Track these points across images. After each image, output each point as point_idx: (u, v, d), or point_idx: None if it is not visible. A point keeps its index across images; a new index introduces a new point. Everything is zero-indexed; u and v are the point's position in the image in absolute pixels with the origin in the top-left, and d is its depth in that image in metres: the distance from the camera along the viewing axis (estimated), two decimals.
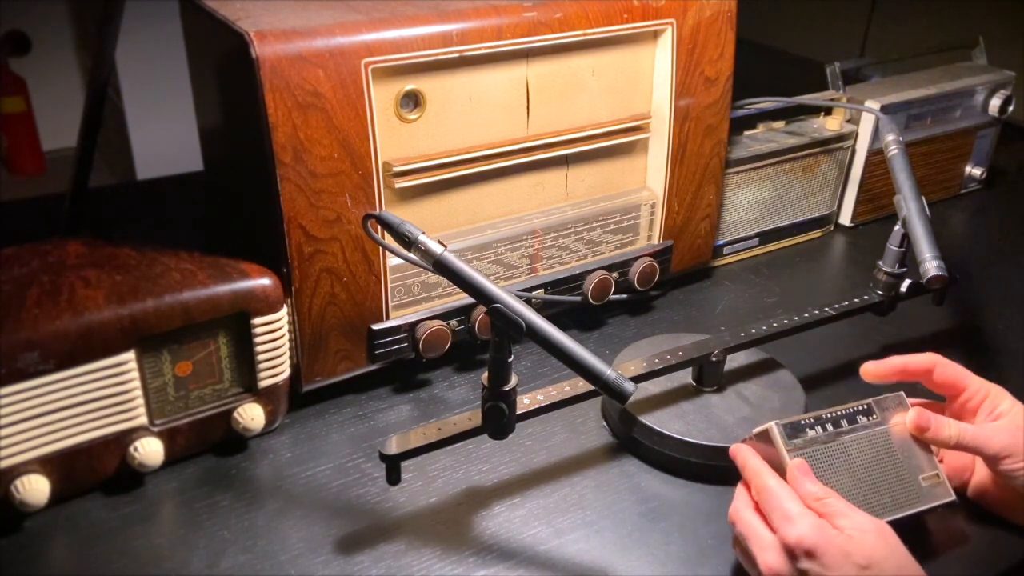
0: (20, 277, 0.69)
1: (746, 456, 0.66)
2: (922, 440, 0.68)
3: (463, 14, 0.76)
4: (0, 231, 0.88)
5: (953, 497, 0.68)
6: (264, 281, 0.72)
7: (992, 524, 0.71)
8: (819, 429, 0.66)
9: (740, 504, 0.64)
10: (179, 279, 0.70)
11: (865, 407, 0.69)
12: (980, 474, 0.71)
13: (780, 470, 0.64)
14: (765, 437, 0.66)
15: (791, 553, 0.59)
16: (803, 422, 0.66)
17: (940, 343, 0.95)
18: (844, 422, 0.67)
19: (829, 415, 0.67)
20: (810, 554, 0.58)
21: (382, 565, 0.66)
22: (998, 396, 0.70)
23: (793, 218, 1.13)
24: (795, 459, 0.64)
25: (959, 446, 0.67)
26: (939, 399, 0.74)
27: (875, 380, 0.73)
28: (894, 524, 0.62)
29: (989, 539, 0.70)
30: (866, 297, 0.88)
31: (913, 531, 0.68)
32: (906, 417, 0.69)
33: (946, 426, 0.67)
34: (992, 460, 0.67)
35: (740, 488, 0.66)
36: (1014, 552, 0.69)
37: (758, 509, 0.63)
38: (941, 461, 0.70)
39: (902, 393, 0.70)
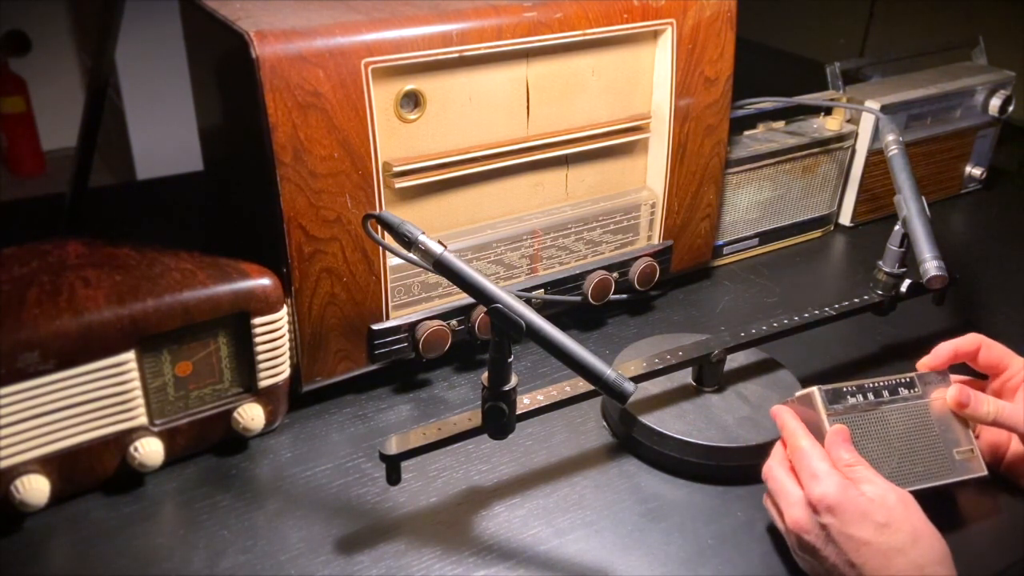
0: (20, 277, 0.69)
1: (785, 417, 0.68)
2: (960, 416, 0.70)
3: (463, 14, 0.76)
4: (0, 231, 0.88)
5: (985, 472, 0.69)
6: (264, 281, 0.72)
7: (991, 525, 0.71)
8: (860, 397, 0.68)
9: (774, 462, 0.67)
10: (179, 279, 0.70)
11: (908, 380, 0.71)
12: (1015, 450, 0.73)
13: (818, 433, 0.66)
14: (807, 400, 0.68)
15: (814, 508, 0.61)
16: (845, 389, 0.68)
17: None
18: (885, 392, 0.69)
19: (872, 384, 0.69)
20: (831, 509, 0.60)
21: (382, 565, 0.66)
22: None
23: (793, 218, 1.13)
24: (836, 424, 0.66)
25: (996, 423, 0.69)
26: (982, 377, 0.76)
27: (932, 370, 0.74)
28: (924, 493, 0.64)
29: (989, 540, 0.70)
30: (866, 297, 0.88)
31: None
32: (947, 393, 0.70)
33: (985, 403, 0.69)
34: None
35: (778, 445, 0.68)
36: (1015, 553, 0.69)
37: (792, 468, 0.65)
38: (978, 437, 0.72)
39: (947, 371, 0.73)
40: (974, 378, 0.76)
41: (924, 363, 0.74)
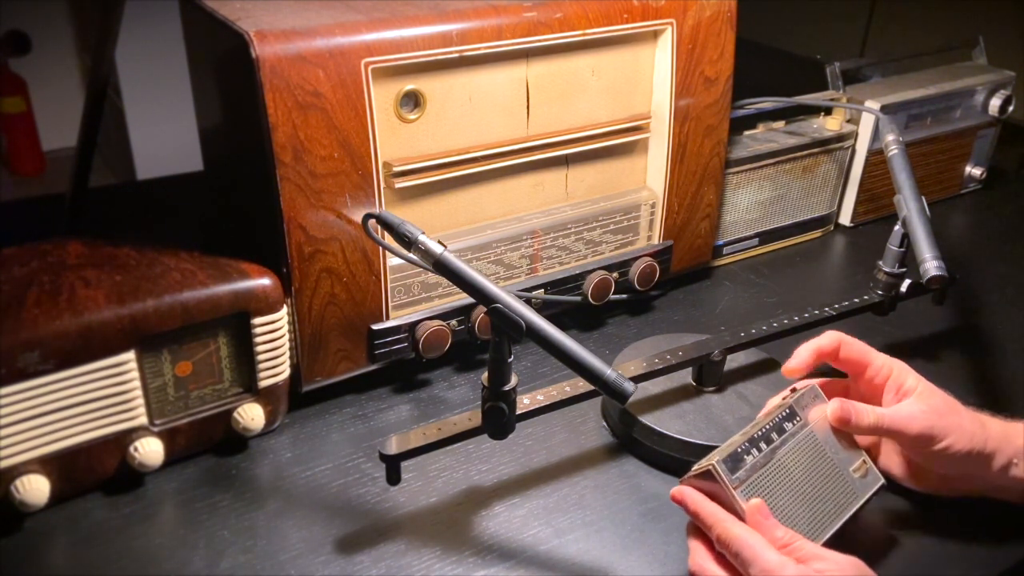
0: (20, 277, 0.69)
1: (698, 502, 0.62)
2: (844, 431, 0.68)
3: (463, 14, 0.76)
4: (0, 231, 0.88)
5: (883, 481, 0.68)
6: (264, 281, 0.72)
7: (991, 525, 0.71)
8: (755, 452, 0.64)
9: (701, 559, 0.61)
10: (179, 279, 0.70)
11: (788, 412, 0.67)
12: (886, 450, 0.71)
13: (728, 509, 0.62)
14: (708, 476, 0.62)
15: None
16: (739, 450, 0.63)
17: (940, 343, 0.95)
18: (774, 435, 0.65)
19: (759, 432, 0.65)
20: None
21: (382, 565, 0.66)
22: (902, 372, 0.69)
23: (793, 218, 1.13)
24: (753, 501, 0.61)
25: (878, 431, 0.66)
26: (840, 375, 0.74)
27: (797, 376, 0.72)
28: (845, 534, 0.62)
29: (989, 540, 0.70)
30: (866, 297, 0.88)
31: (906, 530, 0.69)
32: (827, 409, 0.68)
33: (866, 414, 0.66)
34: (915, 442, 0.65)
35: (694, 542, 0.63)
36: (1015, 553, 0.69)
37: (719, 560, 0.61)
38: None
39: (815, 385, 0.70)
40: (834, 378, 0.74)
41: (788, 367, 0.71)
